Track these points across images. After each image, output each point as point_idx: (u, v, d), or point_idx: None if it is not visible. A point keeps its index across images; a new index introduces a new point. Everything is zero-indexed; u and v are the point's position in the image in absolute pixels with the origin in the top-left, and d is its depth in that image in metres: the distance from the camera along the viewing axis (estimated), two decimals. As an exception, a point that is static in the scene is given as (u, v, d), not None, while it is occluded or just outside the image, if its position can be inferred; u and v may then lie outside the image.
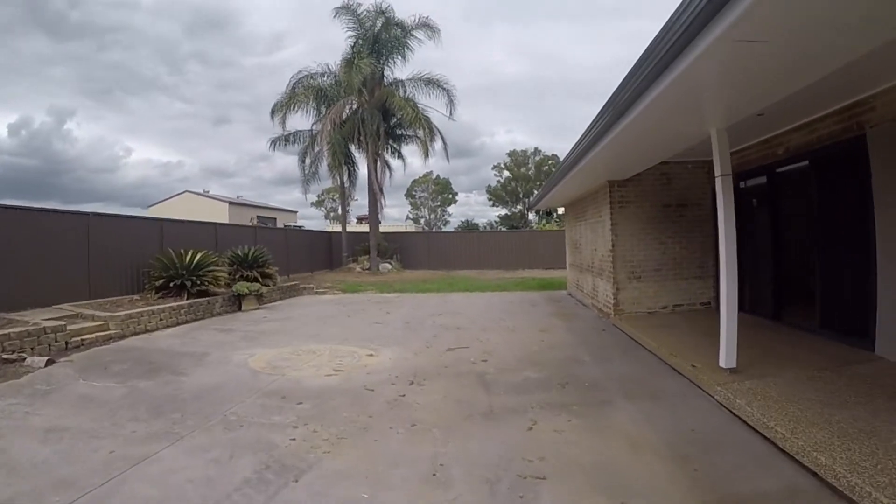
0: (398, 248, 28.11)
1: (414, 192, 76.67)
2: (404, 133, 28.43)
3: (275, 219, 44.09)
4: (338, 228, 30.79)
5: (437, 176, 75.77)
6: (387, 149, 29.02)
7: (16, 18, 79.38)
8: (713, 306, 10.00)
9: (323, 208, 72.07)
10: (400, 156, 29.39)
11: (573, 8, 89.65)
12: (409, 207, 77.59)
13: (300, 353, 7.89)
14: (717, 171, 5.64)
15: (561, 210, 18.95)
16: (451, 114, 27.07)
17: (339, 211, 28.98)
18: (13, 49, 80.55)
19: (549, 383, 5.94)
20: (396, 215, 79.65)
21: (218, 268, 13.59)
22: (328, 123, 23.92)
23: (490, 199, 75.64)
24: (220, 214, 36.59)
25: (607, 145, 6.76)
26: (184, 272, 12.40)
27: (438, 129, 27.54)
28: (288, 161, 76.42)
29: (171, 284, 12.22)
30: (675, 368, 6.29)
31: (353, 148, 27.43)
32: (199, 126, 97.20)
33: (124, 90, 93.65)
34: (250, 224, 33.23)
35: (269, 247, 19.15)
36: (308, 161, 27.00)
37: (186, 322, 11.17)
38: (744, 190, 8.86)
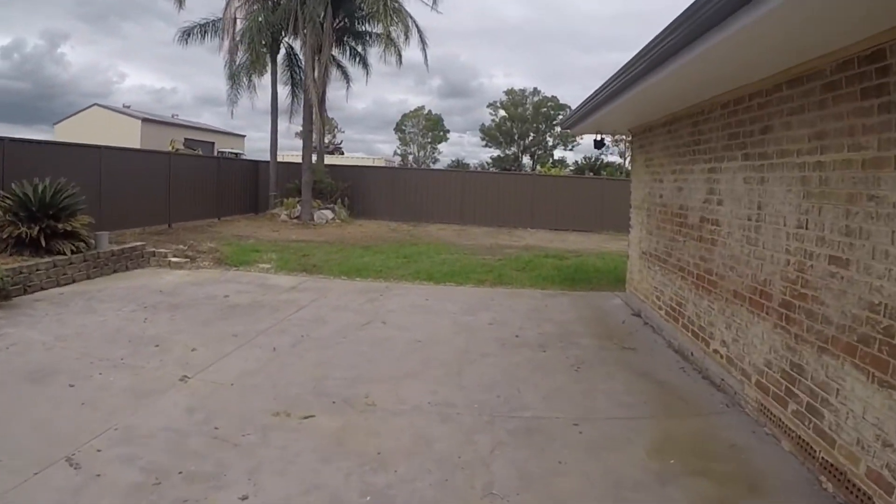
0: (349, 188, 19.87)
1: (404, 127, 71.03)
2: (369, 30, 19.72)
3: (212, 143, 35.26)
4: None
5: (429, 111, 70.85)
6: (343, 49, 20.33)
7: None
8: None
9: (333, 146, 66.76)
10: (363, 61, 20.75)
11: None
12: (398, 143, 71.57)
13: None
14: None
15: (607, 140, 10.52)
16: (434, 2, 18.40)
17: (295, 135, 20.55)
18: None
19: None
20: (387, 151, 73.72)
21: None
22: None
23: (483, 139, 68.58)
24: (131, 134, 27.93)
25: None
26: None
27: (417, 25, 18.92)
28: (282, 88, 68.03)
29: None
30: None
31: (293, 43, 18.75)
32: (194, 52, 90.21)
33: (119, 15, 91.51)
34: (164, 150, 24.66)
35: (179, 182, 15.22)
36: (236, 61, 18.32)
37: None
38: None
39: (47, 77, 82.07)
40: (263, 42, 17.07)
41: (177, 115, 41.16)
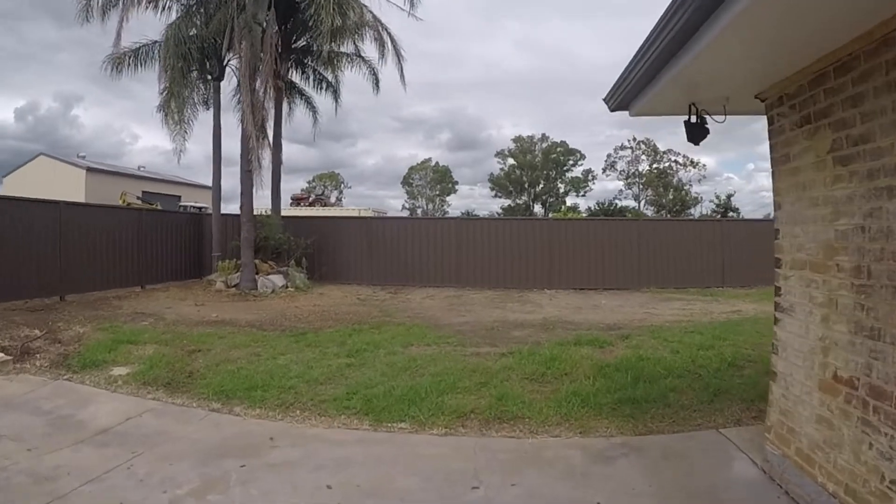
0: (313, 245, 15.56)
1: (411, 180, 69.92)
2: (336, 49, 15.98)
3: (178, 196, 31.52)
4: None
5: (437, 163, 69.59)
6: (305, 75, 16.59)
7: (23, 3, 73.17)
8: None
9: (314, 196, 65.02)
10: (330, 87, 16.94)
11: (578, 6, 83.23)
12: (406, 196, 70.26)
13: None
14: None
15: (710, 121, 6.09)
16: (412, 5, 14.77)
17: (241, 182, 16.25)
18: (20, 35, 75.77)
19: None
20: (396, 206, 71.93)
21: None
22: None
23: (492, 189, 65.80)
24: (76, 185, 24.28)
25: None
26: None
27: (392, 37, 15.22)
28: (293, 150, 66.85)
29: None
30: None
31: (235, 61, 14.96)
32: (204, 114, 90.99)
33: (131, 76, 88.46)
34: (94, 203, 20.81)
35: (80, 241, 11.98)
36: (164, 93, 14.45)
37: None
38: None
39: (61, 139, 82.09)
40: (190, 64, 13.28)
41: (143, 168, 37.74)
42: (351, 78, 20.35)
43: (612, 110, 4.15)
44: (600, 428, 4.74)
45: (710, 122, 3.94)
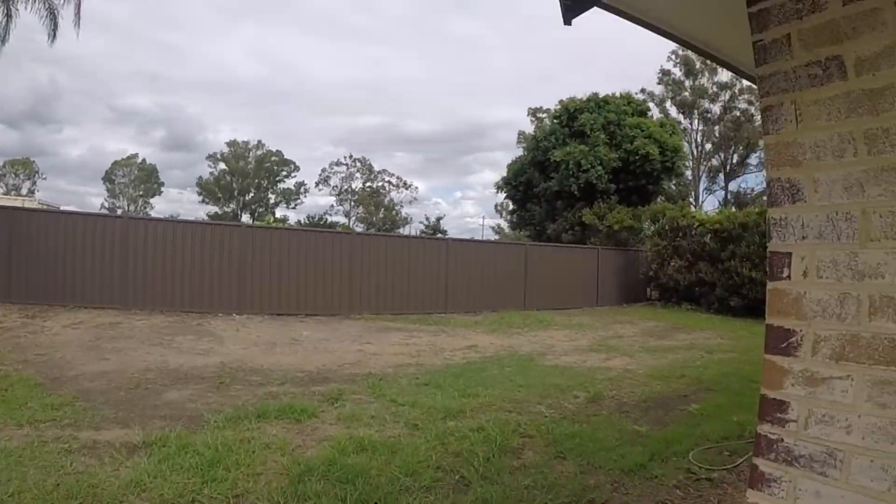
0: None
1: (114, 176, 60.90)
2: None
3: None
4: None
5: (144, 160, 62.24)
6: None
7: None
8: None
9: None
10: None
11: (321, 23, 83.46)
12: (106, 195, 60.80)
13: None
14: None
15: None
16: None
17: None
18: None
19: None
20: (97, 204, 58.53)
21: None
22: None
23: (200, 194, 59.04)
24: None
25: None
26: None
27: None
28: None
29: None
30: None
31: None
32: None
33: None
34: None
35: None
36: None
37: None
38: None
39: None
40: None
41: None
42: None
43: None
44: None
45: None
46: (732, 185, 36.11)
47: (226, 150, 60.43)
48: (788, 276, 1.69)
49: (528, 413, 5.34)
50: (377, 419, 4.97)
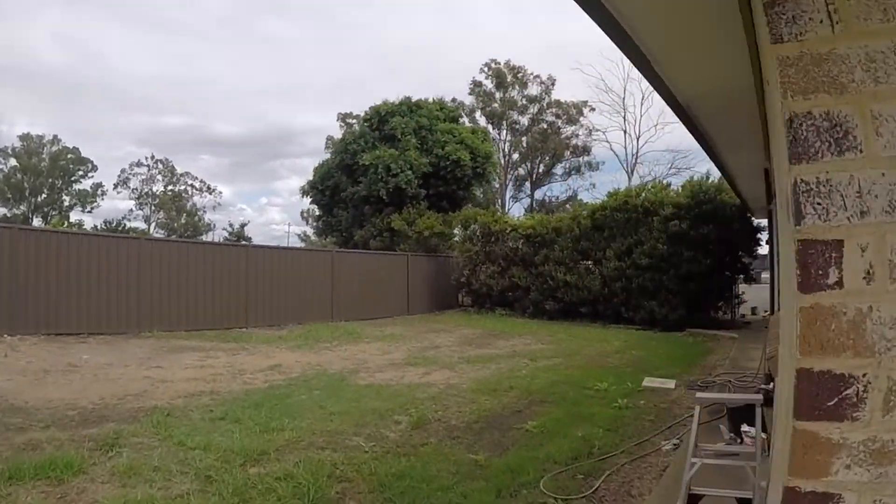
0: None
1: None
2: None
3: None
4: None
5: None
6: None
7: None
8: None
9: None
10: None
11: (129, 10, 73.17)
12: None
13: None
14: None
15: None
16: None
17: None
18: None
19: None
20: None
21: None
22: None
23: None
24: None
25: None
26: None
27: None
28: None
29: None
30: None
31: None
32: None
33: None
34: None
35: None
36: None
37: None
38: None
39: None
40: None
41: None
42: None
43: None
44: None
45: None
46: (538, 194, 39.65)
47: (18, 144, 52.54)
48: (838, 282, 1.05)
49: (344, 449, 4.72)
50: (161, 471, 4.07)
